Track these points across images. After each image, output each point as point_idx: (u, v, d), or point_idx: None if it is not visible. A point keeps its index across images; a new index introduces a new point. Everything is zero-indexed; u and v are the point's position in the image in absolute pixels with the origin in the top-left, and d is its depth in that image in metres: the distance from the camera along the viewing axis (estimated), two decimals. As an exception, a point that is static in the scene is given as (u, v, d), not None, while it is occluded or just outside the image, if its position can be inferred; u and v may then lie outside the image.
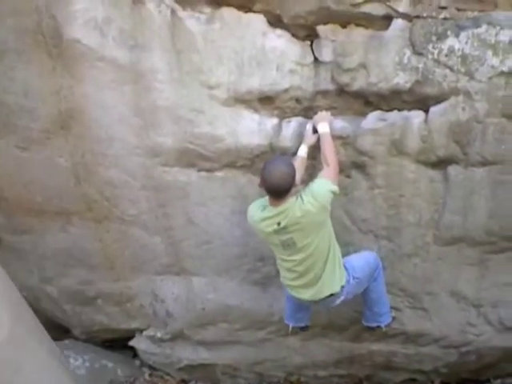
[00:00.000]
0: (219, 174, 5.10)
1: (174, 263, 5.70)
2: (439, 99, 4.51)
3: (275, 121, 4.81)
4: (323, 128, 4.61)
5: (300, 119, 4.81)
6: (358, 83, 4.58)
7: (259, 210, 4.56)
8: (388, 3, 4.38)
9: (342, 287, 4.78)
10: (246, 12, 4.57)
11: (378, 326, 5.34)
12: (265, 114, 4.73)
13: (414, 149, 4.68)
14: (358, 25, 4.53)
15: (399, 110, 4.65)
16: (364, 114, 4.73)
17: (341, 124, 4.71)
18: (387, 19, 4.45)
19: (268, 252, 5.13)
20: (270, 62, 4.61)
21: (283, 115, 4.82)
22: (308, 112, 4.83)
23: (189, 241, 5.49)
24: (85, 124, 4.93)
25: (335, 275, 4.73)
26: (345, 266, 4.82)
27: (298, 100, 4.77)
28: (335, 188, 4.45)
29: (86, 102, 4.83)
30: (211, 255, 5.54)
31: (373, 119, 4.67)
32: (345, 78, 4.59)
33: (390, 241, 5.17)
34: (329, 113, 4.70)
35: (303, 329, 5.55)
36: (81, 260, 5.87)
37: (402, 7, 4.37)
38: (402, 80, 4.47)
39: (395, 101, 4.63)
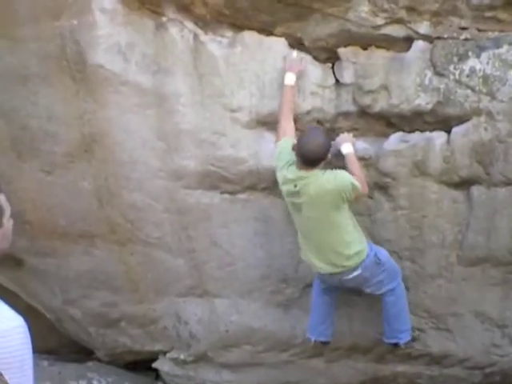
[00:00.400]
0: (242, 196, 5.12)
1: (197, 285, 5.70)
2: (461, 120, 4.51)
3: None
4: (347, 149, 4.62)
5: (322, 141, 4.81)
6: (380, 105, 4.60)
7: (287, 164, 4.57)
8: (409, 25, 4.40)
9: (358, 264, 4.76)
10: (268, 35, 4.63)
11: (397, 344, 5.27)
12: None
13: (437, 169, 4.67)
14: (378, 47, 4.56)
15: (421, 130, 4.65)
16: (386, 136, 4.73)
17: (363, 145, 4.72)
18: (408, 41, 4.47)
19: (291, 273, 5.14)
20: (291, 85, 4.64)
21: (306, 137, 4.84)
22: (330, 134, 4.84)
23: (212, 263, 5.49)
24: (108, 148, 4.98)
25: (344, 255, 4.72)
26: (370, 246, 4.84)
27: (319, 122, 4.79)
28: (357, 183, 4.45)
29: (110, 126, 4.88)
30: (234, 277, 5.54)
31: (395, 140, 4.68)
32: (366, 100, 4.61)
33: (414, 262, 5.14)
34: (351, 134, 4.71)
35: (325, 344, 5.49)
36: (104, 282, 5.88)
37: (423, 29, 4.39)
38: (424, 101, 4.48)
39: (417, 122, 4.64)
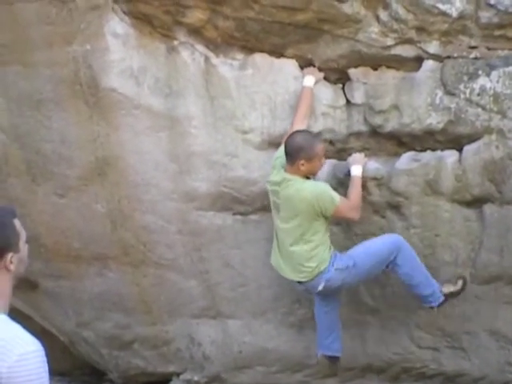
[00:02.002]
0: (254, 217, 5.14)
1: (210, 306, 5.70)
2: (472, 138, 4.52)
3: (309, 163, 4.85)
4: (355, 171, 4.63)
5: (334, 161, 4.84)
6: (391, 124, 4.61)
7: (278, 168, 4.58)
8: (418, 45, 4.43)
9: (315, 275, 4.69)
10: (278, 57, 4.67)
11: (431, 307, 4.98)
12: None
13: (449, 188, 4.66)
14: (389, 67, 4.60)
15: (433, 149, 4.66)
16: (397, 155, 4.74)
17: (374, 165, 4.71)
18: (418, 60, 4.50)
19: (304, 294, 5.12)
20: (302, 106, 4.67)
21: (316, 158, 4.86)
22: (341, 154, 4.87)
23: (224, 284, 5.50)
24: (121, 170, 5.02)
25: (299, 273, 4.70)
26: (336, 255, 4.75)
27: (331, 142, 4.82)
28: (337, 200, 4.45)
29: (123, 149, 4.93)
30: (247, 298, 5.54)
31: (406, 160, 4.68)
32: (377, 120, 4.63)
33: (427, 280, 5.13)
34: (363, 154, 4.73)
35: (333, 359, 5.41)
36: (117, 304, 5.89)
37: (433, 48, 4.42)
38: (435, 120, 4.50)
39: (428, 141, 4.65)
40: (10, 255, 2.27)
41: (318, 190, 4.47)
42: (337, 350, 5.27)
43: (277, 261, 4.84)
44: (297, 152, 4.39)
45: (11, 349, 2.03)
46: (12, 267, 2.29)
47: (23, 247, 2.37)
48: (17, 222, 2.35)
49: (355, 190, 4.58)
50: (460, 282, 4.90)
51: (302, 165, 4.42)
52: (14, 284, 2.36)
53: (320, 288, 4.72)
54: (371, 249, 4.76)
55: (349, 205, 4.55)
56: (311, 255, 4.63)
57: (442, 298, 4.88)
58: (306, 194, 4.42)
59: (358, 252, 4.76)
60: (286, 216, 4.54)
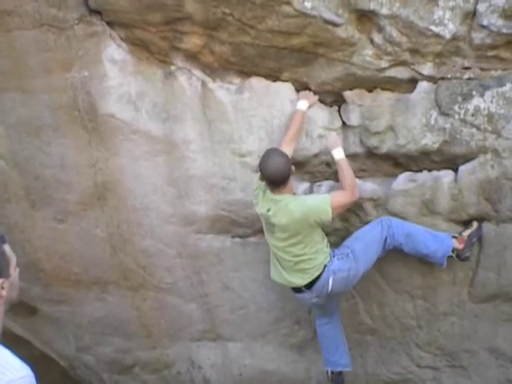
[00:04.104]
0: (252, 239, 5.17)
1: (210, 329, 5.71)
2: (468, 158, 4.54)
3: (306, 185, 4.89)
4: (337, 155, 4.65)
5: (331, 183, 4.87)
6: (387, 145, 4.65)
7: (261, 196, 4.58)
8: (412, 66, 4.46)
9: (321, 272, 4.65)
10: (274, 81, 4.71)
11: (449, 256, 4.81)
12: (296, 179, 4.76)
13: (446, 208, 4.69)
14: (383, 89, 4.63)
15: (429, 170, 4.69)
16: (394, 176, 4.77)
17: (371, 186, 4.75)
18: (412, 82, 4.53)
19: (304, 315, 5.14)
20: (299, 129, 4.71)
21: (314, 179, 4.89)
22: (338, 175, 4.89)
23: (224, 306, 5.51)
24: (120, 195, 5.06)
25: (299, 275, 4.67)
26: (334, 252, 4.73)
27: (327, 164, 4.85)
28: (329, 201, 4.43)
29: (121, 174, 4.96)
30: (247, 320, 5.55)
31: (403, 180, 4.71)
32: (373, 141, 4.66)
33: (426, 300, 5.15)
34: (335, 133, 4.75)
35: (339, 378, 5.37)
36: (118, 328, 5.90)
37: (427, 70, 4.45)
38: (430, 141, 4.52)
39: (424, 161, 4.68)
40: (1, 281, 2.30)
41: (306, 205, 4.44)
42: (345, 364, 5.26)
43: (279, 275, 4.80)
44: (282, 180, 4.41)
45: (0, 376, 2.04)
46: (3, 293, 2.32)
47: (14, 272, 2.40)
48: (7, 248, 2.39)
49: (347, 174, 4.57)
50: (474, 223, 4.78)
51: (288, 184, 4.46)
52: (6, 309, 2.38)
53: (330, 282, 4.65)
54: (360, 233, 4.78)
55: (343, 193, 4.53)
56: (315, 257, 4.63)
57: (451, 244, 4.74)
58: (297, 215, 4.41)
59: (350, 241, 4.78)
60: (283, 237, 4.55)
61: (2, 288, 2.35)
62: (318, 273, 4.62)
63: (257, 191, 4.63)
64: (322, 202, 4.44)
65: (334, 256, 4.66)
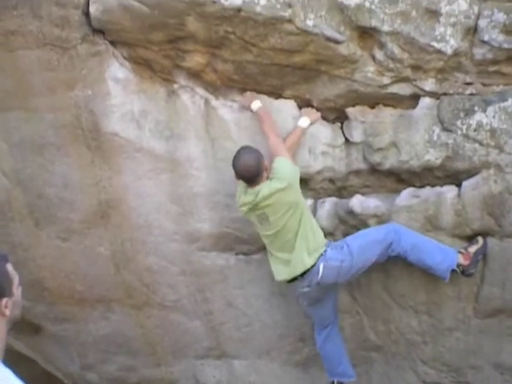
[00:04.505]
0: (256, 256, 5.17)
1: (214, 347, 5.70)
2: (471, 173, 4.54)
3: (310, 202, 4.89)
4: (302, 122, 4.71)
5: (334, 199, 4.88)
6: (390, 162, 4.65)
7: (242, 194, 4.62)
8: (414, 83, 4.48)
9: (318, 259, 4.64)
10: (277, 98, 4.74)
11: (453, 270, 4.74)
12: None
13: (449, 223, 4.68)
14: (386, 105, 4.65)
15: (432, 185, 4.69)
16: (397, 192, 4.77)
17: (375, 203, 4.74)
18: (415, 98, 4.55)
19: (308, 332, 5.12)
20: (302, 146, 4.74)
21: (317, 196, 4.90)
22: (341, 192, 4.91)
23: (229, 324, 5.50)
24: (124, 213, 5.06)
25: (305, 253, 4.63)
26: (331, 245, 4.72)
27: (331, 181, 4.86)
28: (286, 158, 4.51)
29: (125, 192, 4.97)
30: (251, 337, 5.54)
31: (406, 196, 4.71)
32: (376, 158, 4.67)
33: (431, 316, 5.12)
34: (319, 113, 4.78)
35: None
36: (122, 346, 5.89)
37: (429, 86, 4.47)
38: (433, 156, 4.53)
39: (427, 177, 4.68)
40: (4, 301, 2.34)
41: (282, 174, 4.48)
42: (351, 375, 5.25)
43: (284, 267, 4.73)
44: (256, 176, 4.48)
45: None
46: (7, 312, 2.35)
47: (17, 291, 2.43)
48: (9, 267, 2.42)
49: (291, 138, 4.66)
50: (479, 239, 4.74)
51: (266, 170, 4.51)
52: (8, 328, 2.41)
53: (321, 269, 4.62)
54: (362, 232, 4.77)
55: (285, 151, 4.58)
56: (316, 229, 4.66)
57: (456, 259, 4.69)
58: (279, 185, 4.45)
59: (350, 237, 4.77)
60: (278, 216, 4.54)
61: (6, 307, 2.38)
62: (318, 253, 4.61)
63: (238, 191, 4.67)
64: (284, 161, 4.50)
65: (328, 246, 4.66)
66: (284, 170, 4.50)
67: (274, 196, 4.48)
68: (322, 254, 4.62)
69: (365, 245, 4.67)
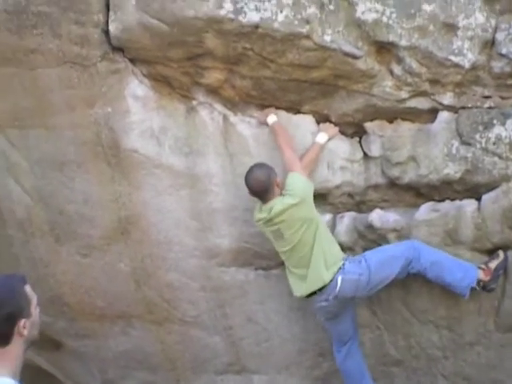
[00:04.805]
0: (275, 271, 5.17)
1: (234, 362, 5.69)
2: (490, 186, 4.53)
3: (328, 217, 4.91)
4: (319, 138, 4.72)
5: (353, 214, 4.88)
6: (409, 176, 4.65)
7: (258, 212, 4.67)
8: (433, 97, 4.48)
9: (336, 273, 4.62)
10: (295, 113, 4.76)
11: (473, 288, 4.70)
12: (318, 211, 4.75)
13: (469, 237, 4.66)
14: (404, 119, 4.65)
15: (451, 199, 4.68)
16: (416, 206, 4.76)
17: (394, 217, 4.73)
18: (433, 112, 4.55)
19: (328, 347, 5.10)
20: (320, 160, 4.76)
21: (336, 211, 4.90)
22: (360, 206, 4.91)
23: (248, 339, 5.50)
24: (144, 229, 5.09)
25: (323, 267, 4.61)
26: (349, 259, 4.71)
27: (350, 195, 4.87)
28: (299, 173, 4.54)
29: (145, 208, 5.00)
30: (271, 353, 5.53)
31: (425, 210, 4.69)
32: (395, 172, 4.67)
33: (451, 330, 5.09)
34: (337, 128, 4.79)
35: None
36: (142, 362, 5.89)
37: (447, 100, 4.47)
38: (452, 170, 4.52)
39: (447, 191, 4.67)
40: (22, 321, 2.39)
41: (295, 189, 4.51)
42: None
43: (302, 282, 4.72)
44: (265, 191, 4.53)
45: None
46: (25, 332, 2.40)
47: (35, 311, 2.48)
48: (28, 288, 2.47)
49: (310, 157, 4.68)
50: (500, 253, 4.69)
51: (277, 186, 4.55)
52: (26, 347, 2.45)
53: (339, 282, 4.60)
54: (382, 248, 4.77)
55: (304, 170, 4.61)
56: (331, 243, 4.68)
57: (476, 275, 4.65)
58: (292, 200, 4.47)
59: (368, 252, 4.76)
60: (293, 231, 4.55)
61: (24, 328, 2.42)
62: (336, 267, 4.60)
63: (255, 208, 4.71)
64: (297, 176, 4.54)
65: (346, 260, 4.66)
66: (297, 186, 4.52)
67: (287, 212, 4.50)
68: (340, 268, 4.61)
69: (383, 260, 4.65)
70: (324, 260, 4.62)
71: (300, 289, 4.77)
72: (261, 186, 4.51)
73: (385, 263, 4.64)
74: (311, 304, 4.88)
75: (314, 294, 4.72)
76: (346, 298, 4.71)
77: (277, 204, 4.51)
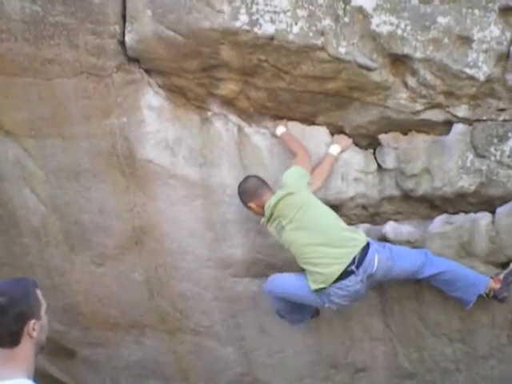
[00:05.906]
0: (288, 282, 5.15)
1: (246, 373, 5.69)
2: (505, 199, 4.52)
3: (342, 228, 4.88)
4: (333, 149, 4.72)
5: (367, 226, 4.87)
6: (423, 188, 4.64)
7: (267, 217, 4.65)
8: (447, 109, 4.48)
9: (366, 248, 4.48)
10: (310, 125, 4.77)
11: (481, 295, 4.67)
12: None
13: (483, 250, 4.64)
14: (419, 131, 4.65)
15: (465, 212, 4.67)
16: (430, 218, 4.76)
17: (408, 229, 4.73)
18: (447, 124, 4.54)
19: (341, 359, 5.09)
20: (334, 172, 4.76)
21: (350, 222, 4.88)
22: (374, 218, 4.91)
23: (261, 350, 5.50)
24: (158, 239, 5.11)
25: (351, 241, 4.48)
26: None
27: (364, 207, 4.86)
28: (302, 170, 4.55)
29: (159, 218, 5.02)
30: (284, 364, 5.52)
31: (440, 223, 4.69)
32: (409, 184, 4.66)
33: (465, 343, 5.07)
34: (350, 140, 4.79)
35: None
36: (154, 371, 5.90)
37: (462, 112, 4.46)
38: (467, 183, 4.51)
39: (461, 203, 4.66)
40: (32, 322, 2.43)
41: (287, 179, 4.53)
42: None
43: (323, 268, 4.51)
44: (255, 193, 4.62)
45: None
46: (35, 334, 2.44)
47: (44, 316, 2.52)
48: (38, 292, 2.52)
49: (321, 165, 4.69)
50: (511, 264, 4.66)
51: (265, 194, 4.61)
52: (36, 351, 2.48)
53: (376, 260, 4.42)
54: (398, 246, 4.67)
55: (321, 180, 4.68)
56: (340, 222, 4.59)
57: (487, 282, 4.62)
58: (284, 191, 4.50)
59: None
60: (300, 215, 4.48)
61: (33, 329, 2.46)
62: (363, 243, 4.46)
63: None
64: (290, 172, 4.55)
65: (369, 240, 4.54)
66: (287, 180, 4.54)
67: (281, 201, 4.50)
68: (368, 244, 4.48)
69: (403, 253, 4.56)
70: (349, 237, 4.50)
71: (331, 274, 4.48)
72: (248, 191, 4.61)
73: (404, 256, 4.55)
74: (328, 295, 4.60)
75: (339, 279, 4.49)
76: (374, 281, 4.56)
77: (271, 200, 4.53)
